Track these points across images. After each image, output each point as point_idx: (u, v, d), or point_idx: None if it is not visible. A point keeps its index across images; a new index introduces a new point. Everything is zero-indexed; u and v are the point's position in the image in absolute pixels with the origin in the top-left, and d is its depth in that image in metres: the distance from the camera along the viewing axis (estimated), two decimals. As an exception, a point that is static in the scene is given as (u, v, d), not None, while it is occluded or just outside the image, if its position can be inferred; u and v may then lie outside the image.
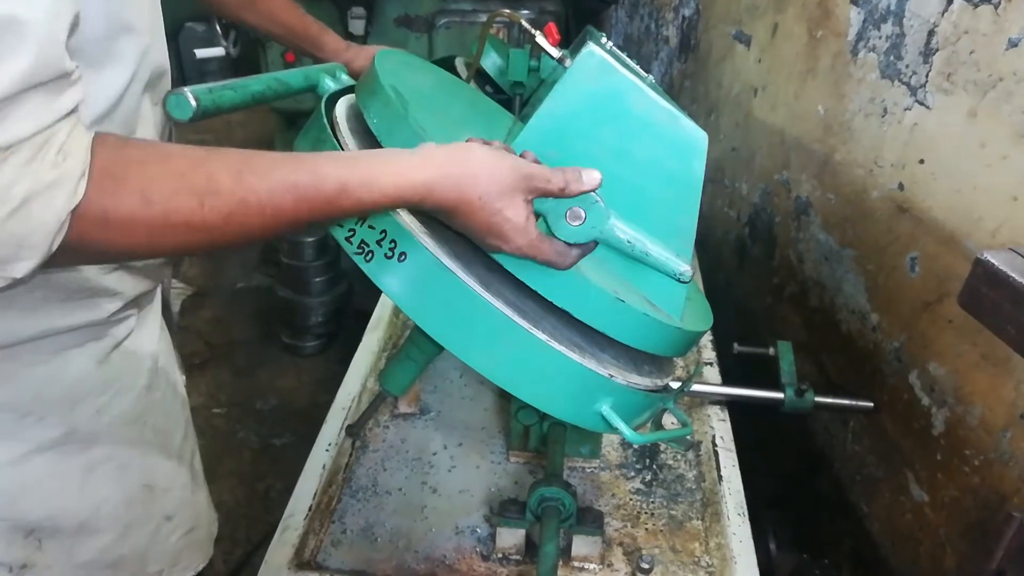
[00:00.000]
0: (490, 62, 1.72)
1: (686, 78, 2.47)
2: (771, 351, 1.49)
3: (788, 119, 1.77)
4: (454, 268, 0.68)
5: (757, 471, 1.35)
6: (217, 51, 2.88)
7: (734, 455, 1.30)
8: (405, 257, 0.68)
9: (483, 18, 2.95)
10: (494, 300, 0.68)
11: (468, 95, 1.13)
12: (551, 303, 0.73)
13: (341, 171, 0.62)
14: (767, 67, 1.88)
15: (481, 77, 1.75)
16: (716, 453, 1.29)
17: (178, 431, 0.95)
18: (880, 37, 1.40)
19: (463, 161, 0.66)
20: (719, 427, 1.36)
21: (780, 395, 1.41)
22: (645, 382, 0.78)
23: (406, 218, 0.70)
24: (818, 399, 1.41)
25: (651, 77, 0.99)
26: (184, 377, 1.03)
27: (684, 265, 0.78)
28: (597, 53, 0.74)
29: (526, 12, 2.82)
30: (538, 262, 0.70)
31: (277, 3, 1.28)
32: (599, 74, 0.74)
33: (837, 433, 1.56)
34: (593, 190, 0.69)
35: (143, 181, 0.55)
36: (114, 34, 0.70)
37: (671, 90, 2.60)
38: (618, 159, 0.75)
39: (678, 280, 0.78)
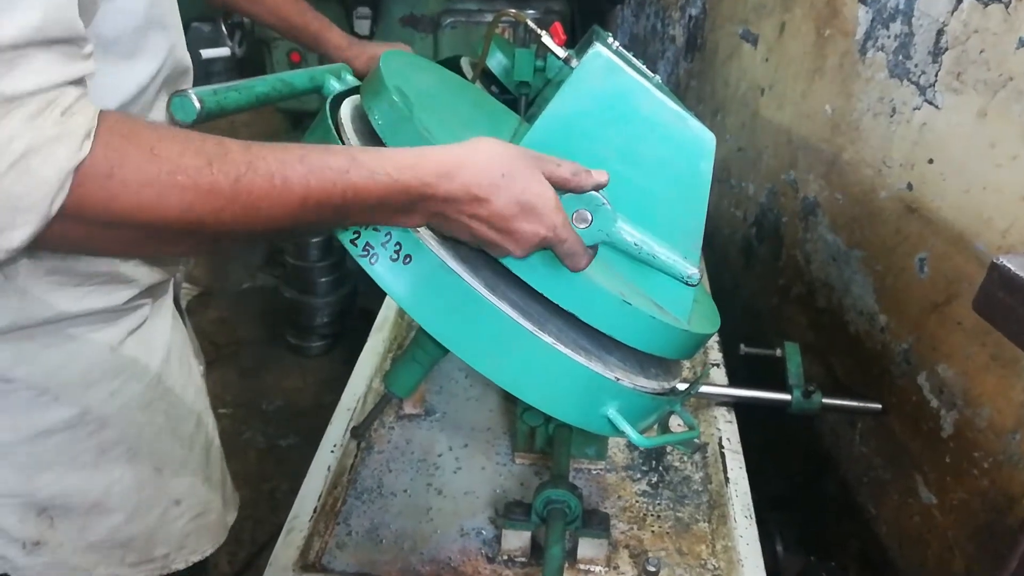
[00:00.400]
0: (496, 62, 1.71)
1: (692, 77, 2.47)
2: (778, 352, 1.48)
3: (795, 118, 1.76)
4: (460, 271, 0.67)
5: (764, 472, 1.34)
6: (223, 51, 2.87)
7: (741, 457, 1.29)
8: (410, 260, 0.68)
9: (489, 18, 2.94)
10: (500, 303, 0.68)
11: (473, 95, 1.12)
12: (557, 306, 0.72)
13: (352, 149, 0.63)
14: (774, 66, 1.87)
15: (487, 77, 1.74)
16: (723, 455, 1.28)
17: (191, 419, 0.95)
18: (889, 36, 1.39)
19: (474, 149, 0.66)
20: (726, 429, 1.35)
21: (787, 396, 1.40)
22: (652, 385, 0.77)
23: None
24: (825, 401, 1.40)
25: (657, 77, 0.99)
26: (203, 367, 1.04)
27: (692, 268, 0.77)
28: (603, 53, 0.73)
29: (532, 12, 2.81)
30: (563, 251, 0.68)
31: None
32: (606, 75, 0.73)
33: (844, 434, 1.55)
34: (600, 188, 0.69)
35: (152, 139, 0.54)
36: (147, 28, 0.71)
37: (677, 90, 2.59)
38: (625, 160, 0.74)
39: (686, 283, 0.78)
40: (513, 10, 1.42)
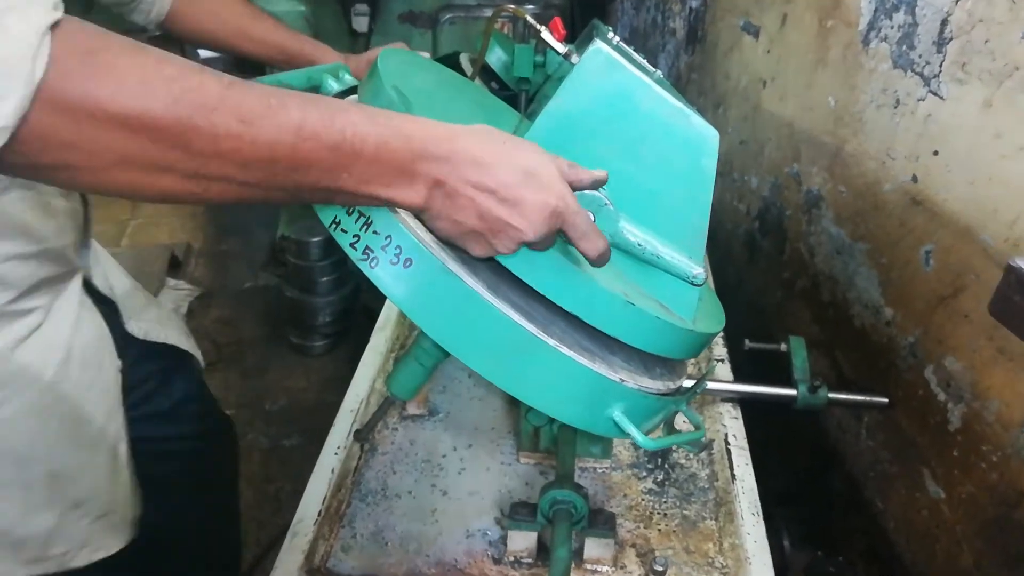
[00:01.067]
0: (495, 58, 1.70)
1: (693, 70, 2.45)
2: (783, 347, 1.47)
3: (798, 111, 1.74)
4: (461, 273, 0.66)
5: (770, 468, 1.33)
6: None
7: (747, 453, 1.28)
8: (411, 263, 0.67)
9: (487, 13, 2.92)
10: (502, 305, 0.67)
11: (473, 93, 1.11)
12: (559, 307, 0.71)
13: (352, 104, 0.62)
14: (776, 58, 1.86)
15: (486, 73, 1.73)
16: (729, 452, 1.27)
17: (97, 418, 0.94)
18: (892, 27, 1.38)
19: (473, 127, 0.66)
20: (731, 425, 1.34)
21: (793, 392, 1.39)
22: (657, 385, 0.76)
23: (411, 223, 0.68)
24: (832, 395, 1.39)
25: (659, 72, 0.97)
26: (120, 362, 1.01)
27: (697, 267, 0.76)
28: (604, 50, 0.72)
29: (531, 7, 2.79)
30: (576, 229, 0.66)
31: (267, 27, 1.27)
32: (606, 71, 0.72)
33: (851, 429, 1.54)
34: (599, 184, 0.67)
35: (133, 40, 0.53)
36: None
37: (678, 83, 2.57)
38: (627, 158, 0.73)
39: (691, 283, 0.76)
40: (512, 5, 1.40)
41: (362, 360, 1.44)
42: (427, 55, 1.26)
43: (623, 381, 0.71)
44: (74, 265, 0.93)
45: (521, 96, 1.67)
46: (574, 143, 0.72)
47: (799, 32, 1.73)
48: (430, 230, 0.68)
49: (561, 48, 1.26)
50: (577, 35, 1.44)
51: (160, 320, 1.18)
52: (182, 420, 1.29)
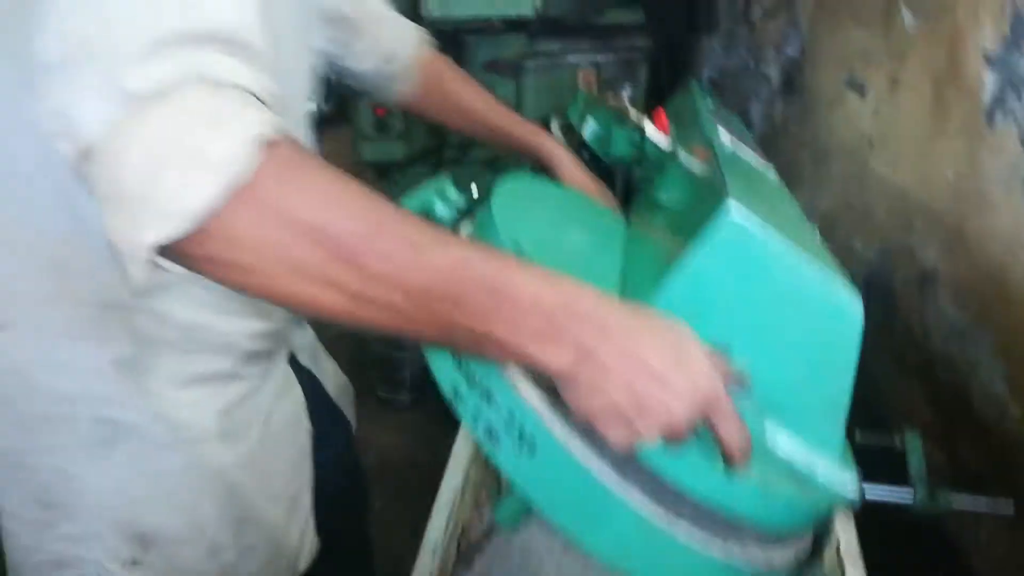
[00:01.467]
0: (588, 131, 1.67)
1: (791, 121, 2.36)
2: (898, 442, 1.38)
3: (911, 179, 1.65)
4: (590, 464, 0.63)
5: (878, 562, 1.25)
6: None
7: (862, 566, 1.20)
8: (534, 447, 0.65)
9: (571, 59, 2.90)
10: (634, 496, 0.63)
11: (591, 220, 1.08)
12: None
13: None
14: (886, 120, 1.77)
15: (576, 139, 1.70)
16: (841, 563, 1.20)
17: (286, 473, 1.05)
18: (1021, 105, 1.28)
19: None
20: (842, 531, 1.26)
21: (910, 497, 1.30)
22: (788, 555, 0.72)
23: (535, 402, 0.66)
24: (953, 497, 1.29)
25: (770, 168, 0.91)
26: (312, 426, 1.14)
27: (851, 482, 0.69)
28: (737, 221, 0.67)
29: (614, 55, 2.73)
30: (724, 424, 0.61)
31: (499, 113, 1.42)
32: (740, 243, 0.68)
33: (974, 528, 1.44)
34: (740, 386, 0.63)
35: (319, 156, 0.58)
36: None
37: (774, 132, 2.48)
38: (761, 337, 0.69)
39: (841, 502, 0.70)
40: (614, 96, 1.38)
41: (454, 451, 1.42)
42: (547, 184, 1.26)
43: (758, 567, 0.67)
44: (289, 339, 1.08)
45: (616, 170, 1.63)
46: (702, 316, 0.68)
47: (912, 97, 1.64)
48: (565, 404, 0.64)
49: (666, 144, 1.23)
50: (665, 81, 1.39)
51: (341, 387, 1.35)
52: (340, 472, 1.37)
